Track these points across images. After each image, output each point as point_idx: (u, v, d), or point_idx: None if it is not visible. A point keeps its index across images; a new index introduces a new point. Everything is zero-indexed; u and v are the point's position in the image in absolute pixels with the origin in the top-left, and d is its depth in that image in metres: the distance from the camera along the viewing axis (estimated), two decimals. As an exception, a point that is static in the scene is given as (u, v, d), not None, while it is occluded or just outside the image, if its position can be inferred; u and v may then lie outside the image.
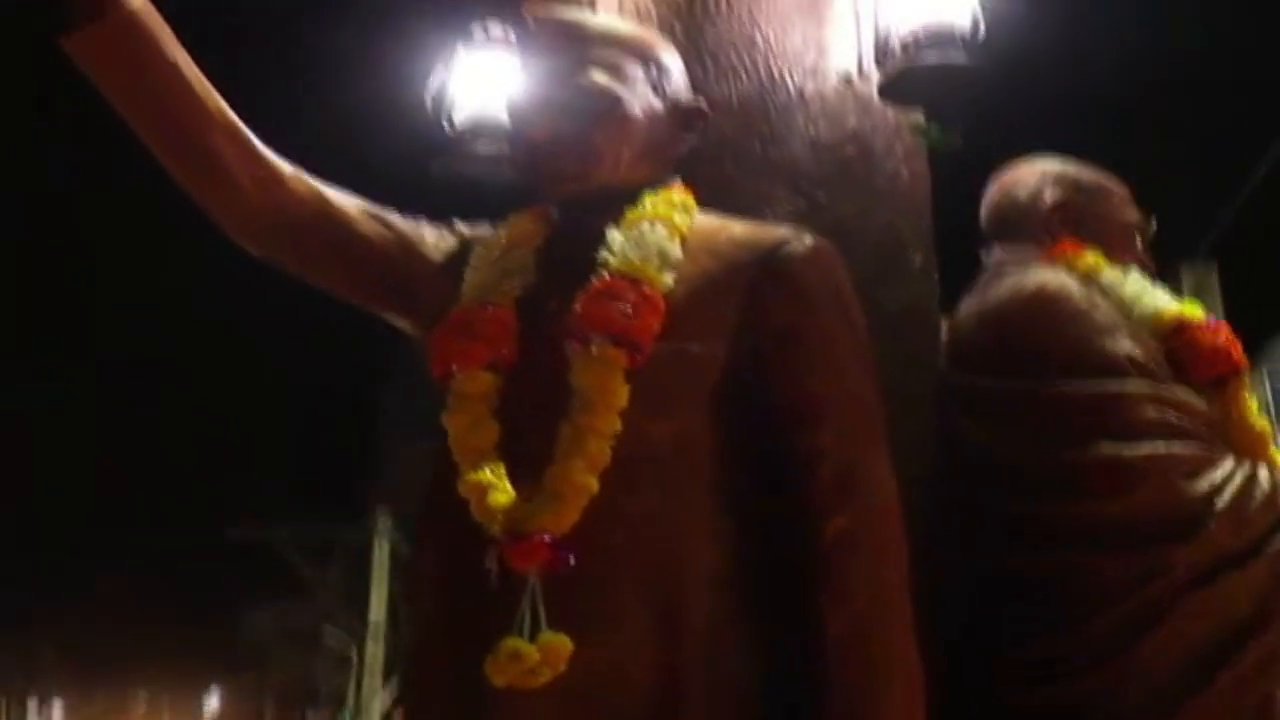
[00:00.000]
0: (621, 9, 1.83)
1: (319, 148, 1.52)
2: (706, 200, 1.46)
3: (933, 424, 1.69)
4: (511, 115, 1.49)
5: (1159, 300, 1.72)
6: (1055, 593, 1.52)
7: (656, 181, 1.45)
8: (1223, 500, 1.49)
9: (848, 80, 1.75)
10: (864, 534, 1.28)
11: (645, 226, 1.38)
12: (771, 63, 1.75)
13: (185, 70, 1.38)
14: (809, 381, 1.33)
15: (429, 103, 2.01)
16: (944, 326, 1.80)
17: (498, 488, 1.28)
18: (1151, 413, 1.54)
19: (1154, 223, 1.90)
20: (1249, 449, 1.62)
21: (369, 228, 1.51)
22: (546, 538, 1.22)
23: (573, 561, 1.22)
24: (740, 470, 1.32)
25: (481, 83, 2.00)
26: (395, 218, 1.55)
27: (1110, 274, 1.75)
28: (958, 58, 1.59)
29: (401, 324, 1.58)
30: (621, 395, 1.27)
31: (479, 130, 1.98)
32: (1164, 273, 1.92)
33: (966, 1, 1.65)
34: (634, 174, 1.44)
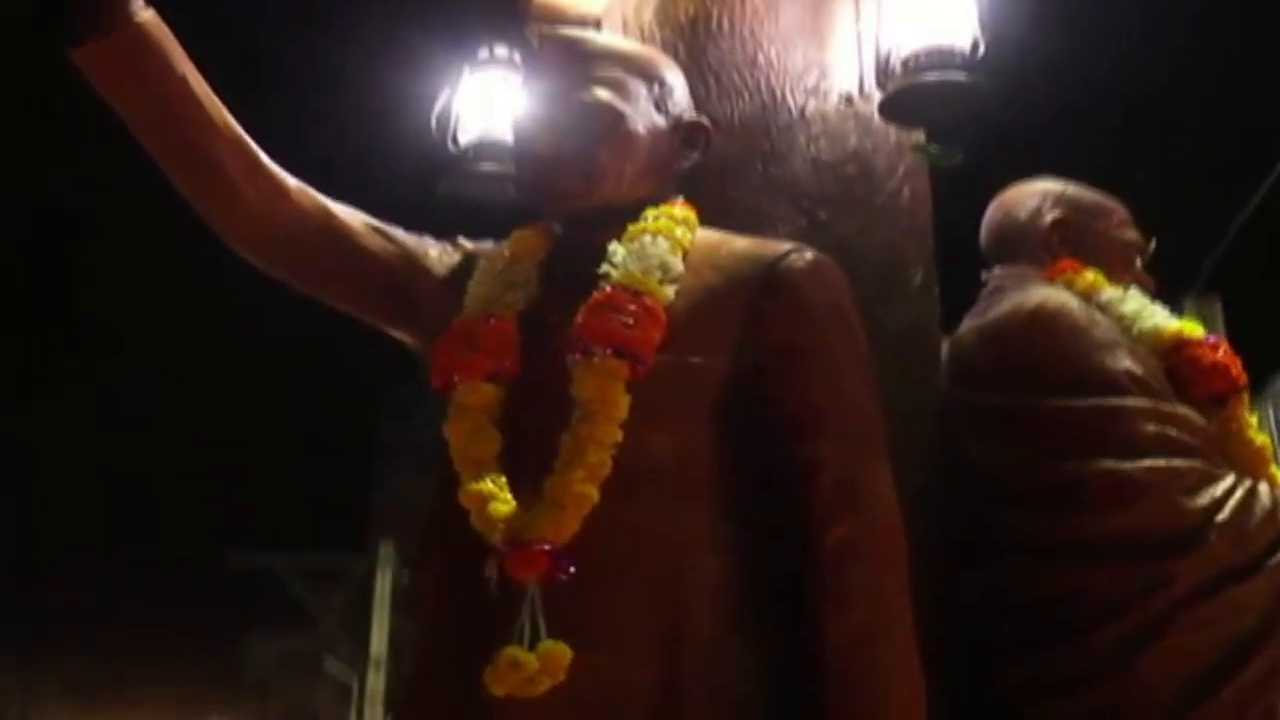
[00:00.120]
0: (625, 29, 1.85)
1: (325, 168, 1.53)
2: (709, 218, 1.47)
3: (933, 441, 1.69)
4: (516, 133, 1.51)
5: (1158, 318, 1.73)
6: (1056, 607, 1.52)
7: (659, 197, 1.46)
8: (1223, 515, 1.49)
9: (849, 100, 1.77)
10: (865, 543, 1.29)
11: (647, 240, 1.39)
12: (773, 83, 1.77)
13: (192, 83, 1.39)
14: (810, 393, 1.34)
15: (434, 123, 2.02)
16: (945, 345, 1.81)
17: (498, 498, 1.28)
18: (1151, 428, 1.55)
19: (1153, 243, 1.91)
20: (1249, 466, 1.63)
21: (372, 241, 1.52)
22: (546, 547, 1.22)
23: (572, 571, 1.22)
24: (741, 481, 1.33)
25: (487, 103, 2.02)
26: (399, 232, 1.56)
27: (1110, 292, 1.76)
28: (958, 76, 1.61)
29: (404, 337, 1.59)
30: (622, 406, 1.28)
31: (484, 150, 1.99)
32: (1166, 305, 1.93)
33: (967, 23, 1.66)
34: (637, 190, 1.45)
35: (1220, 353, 1.70)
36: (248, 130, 1.45)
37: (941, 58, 1.62)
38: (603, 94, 1.44)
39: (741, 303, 1.36)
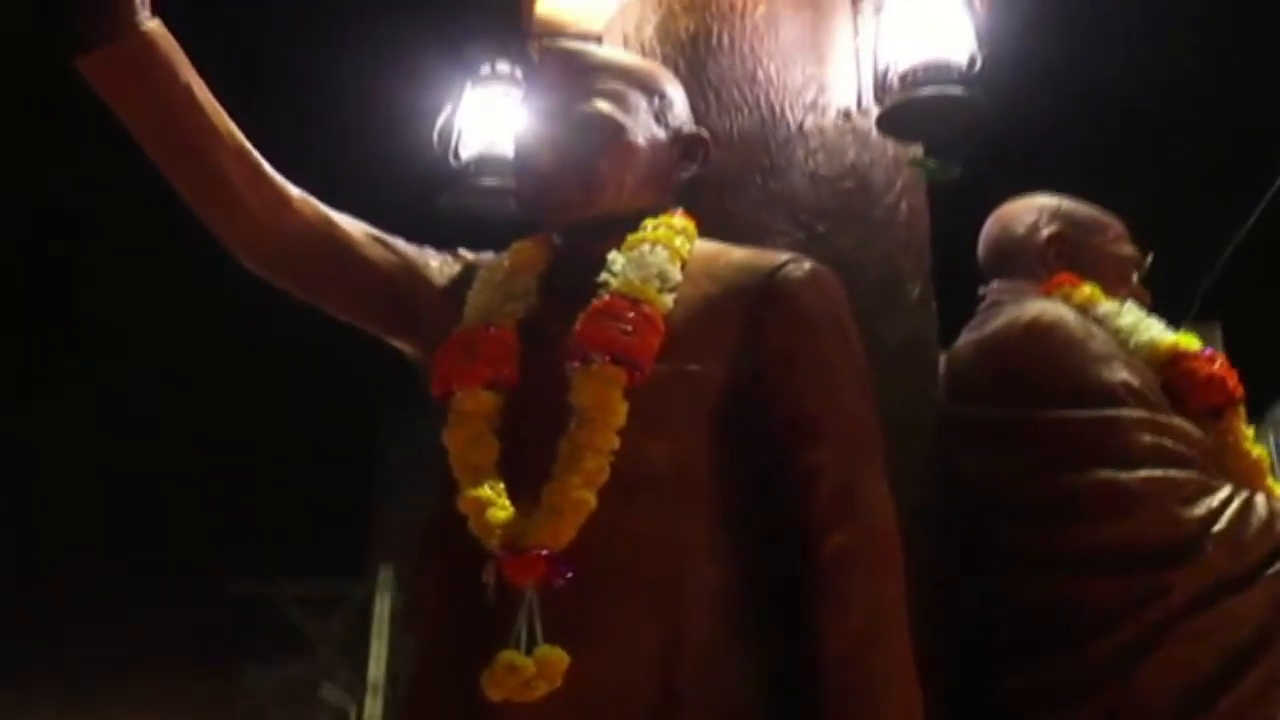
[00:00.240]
0: (626, 45, 1.87)
1: (329, 181, 1.54)
2: (708, 231, 1.49)
3: (931, 454, 1.69)
4: (517, 145, 1.52)
5: (1155, 331, 1.74)
6: (1054, 617, 1.52)
7: (658, 208, 1.47)
8: (1219, 525, 1.49)
9: (847, 115, 1.78)
10: (862, 550, 1.29)
11: (646, 249, 1.40)
12: (772, 98, 1.78)
13: (196, 92, 1.41)
14: (807, 401, 1.34)
15: (436, 138, 2.04)
16: (942, 359, 1.82)
17: (496, 503, 1.29)
18: (1148, 439, 1.55)
19: (1150, 258, 1.92)
20: (1246, 478, 1.63)
21: (374, 251, 1.53)
22: (544, 552, 1.22)
23: (570, 576, 1.22)
24: (739, 489, 1.33)
25: (489, 118, 2.04)
26: (400, 242, 1.57)
27: (1106, 305, 1.77)
28: (955, 91, 1.62)
29: (405, 347, 1.60)
30: (620, 413, 1.29)
31: (485, 165, 2.01)
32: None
33: (964, 39, 1.68)
34: (636, 201, 1.46)
35: (1216, 365, 1.71)
36: (251, 143, 1.46)
37: (939, 72, 1.64)
38: (603, 106, 1.45)
39: (739, 312, 1.37)
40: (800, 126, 1.77)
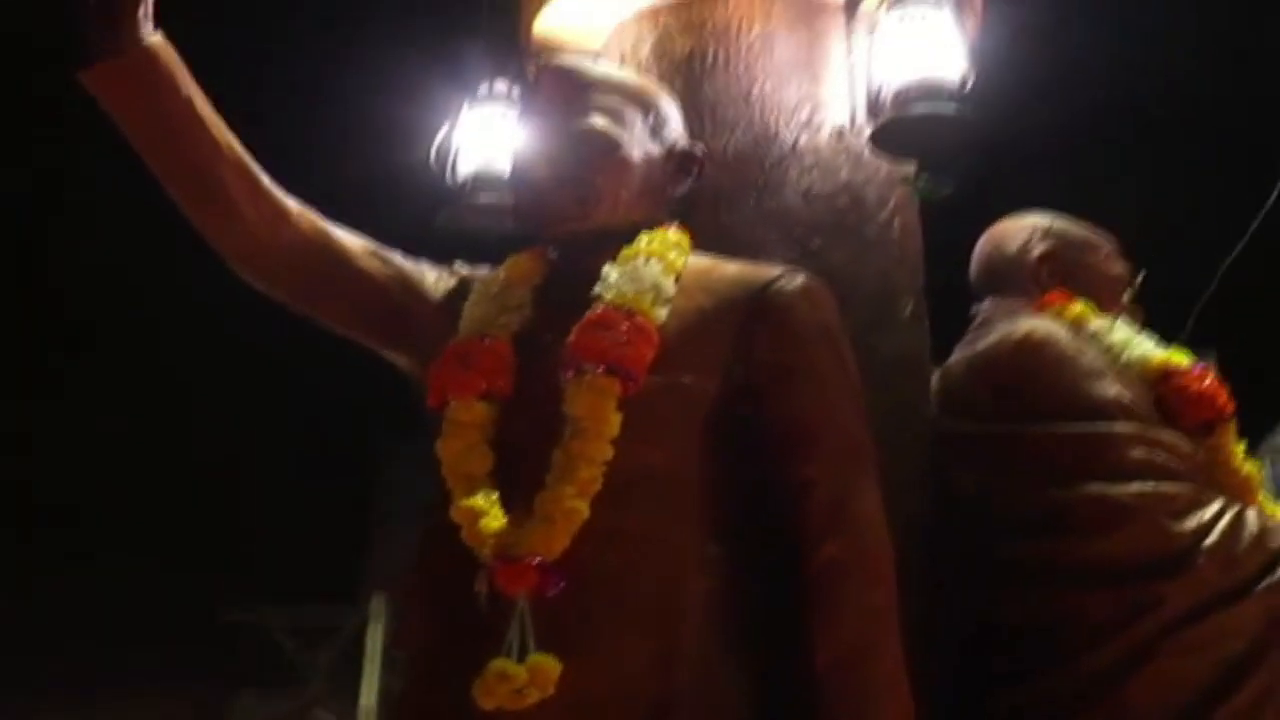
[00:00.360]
0: (623, 64, 1.89)
1: (328, 199, 1.55)
2: (703, 247, 1.50)
3: (923, 470, 1.70)
4: (514, 159, 1.54)
5: (1146, 347, 1.75)
6: (1047, 630, 1.52)
7: (653, 222, 1.48)
8: (1211, 539, 1.50)
9: (841, 134, 1.80)
10: (855, 561, 1.29)
11: (640, 261, 1.41)
12: (767, 117, 1.80)
13: (198, 106, 1.42)
14: (799, 412, 1.35)
15: (434, 156, 2.06)
16: (935, 375, 1.83)
17: (489, 513, 1.29)
18: (1139, 453, 1.56)
19: (1142, 276, 1.94)
20: (1237, 493, 1.64)
21: (370, 264, 1.54)
22: (536, 561, 1.23)
23: (562, 586, 1.23)
24: (731, 500, 1.34)
25: (486, 137, 2.05)
26: (397, 256, 1.58)
27: (1098, 322, 1.78)
28: (947, 108, 1.64)
29: (400, 359, 1.60)
30: (614, 423, 1.29)
31: (482, 182, 2.03)
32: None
33: (956, 59, 1.70)
34: (631, 215, 1.48)
35: (1207, 381, 1.72)
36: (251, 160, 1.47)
37: (931, 91, 1.66)
38: (599, 121, 1.47)
39: (732, 324, 1.38)
40: (795, 144, 1.79)
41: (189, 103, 1.41)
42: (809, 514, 1.31)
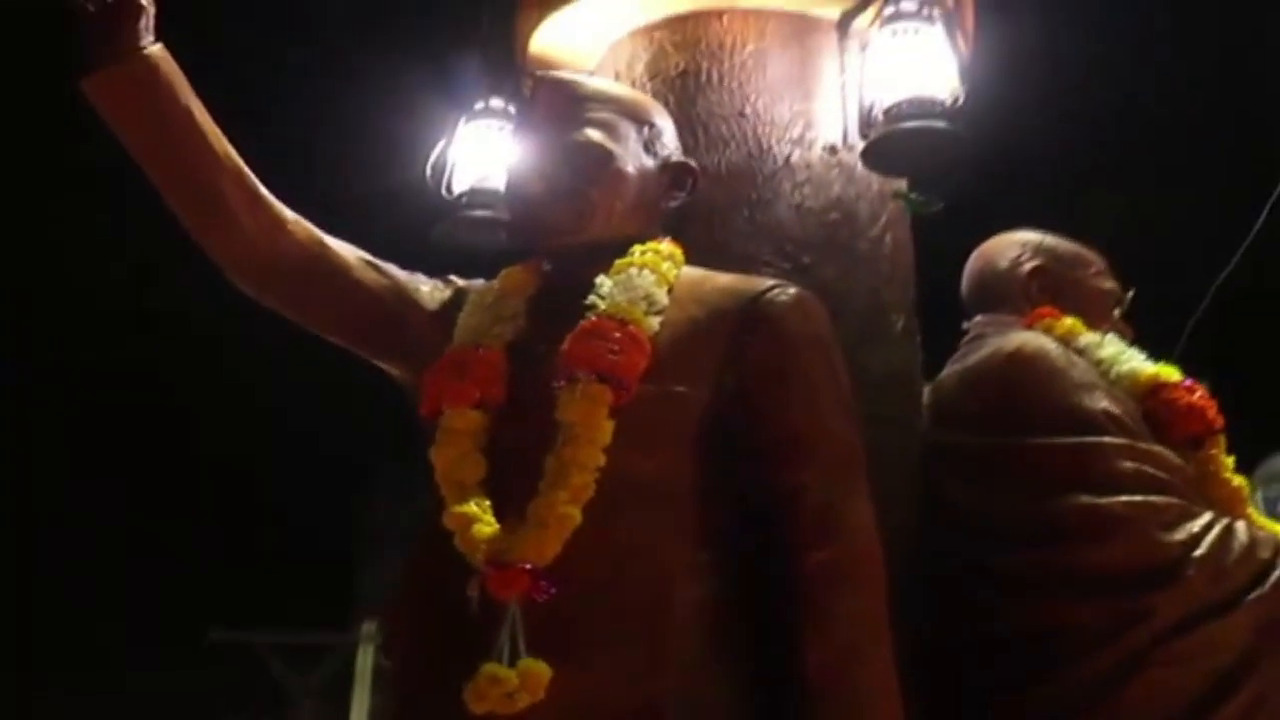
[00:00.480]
0: (617, 81, 1.91)
1: (325, 213, 1.56)
2: (695, 261, 1.51)
3: (913, 483, 1.71)
4: (509, 172, 1.55)
5: (1135, 362, 1.77)
6: (1039, 641, 1.53)
7: (646, 235, 1.50)
8: (1200, 550, 1.51)
9: (833, 150, 1.82)
10: (846, 567, 1.30)
11: (633, 272, 1.42)
12: (760, 133, 1.82)
13: (197, 115, 1.43)
14: (791, 421, 1.36)
15: (430, 171, 2.07)
16: (927, 390, 1.84)
17: (481, 519, 1.30)
18: (1129, 464, 1.57)
19: (1131, 293, 1.95)
20: (1227, 506, 1.65)
21: (365, 274, 1.55)
22: (527, 566, 1.23)
23: (553, 591, 1.23)
24: (723, 507, 1.35)
25: (481, 153, 2.07)
26: (391, 267, 1.59)
27: (1088, 337, 1.80)
28: (938, 124, 1.66)
29: (393, 369, 1.61)
30: (606, 430, 1.30)
31: (477, 197, 2.04)
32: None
33: (948, 76, 1.72)
34: (625, 227, 1.49)
35: (1196, 395, 1.73)
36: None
37: (922, 107, 1.67)
38: (594, 134, 1.49)
39: (724, 334, 1.39)
40: (787, 160, 1.80)
41: (188, 112, 1.42)
42: (800, 520, 1.32)
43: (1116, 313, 1.93)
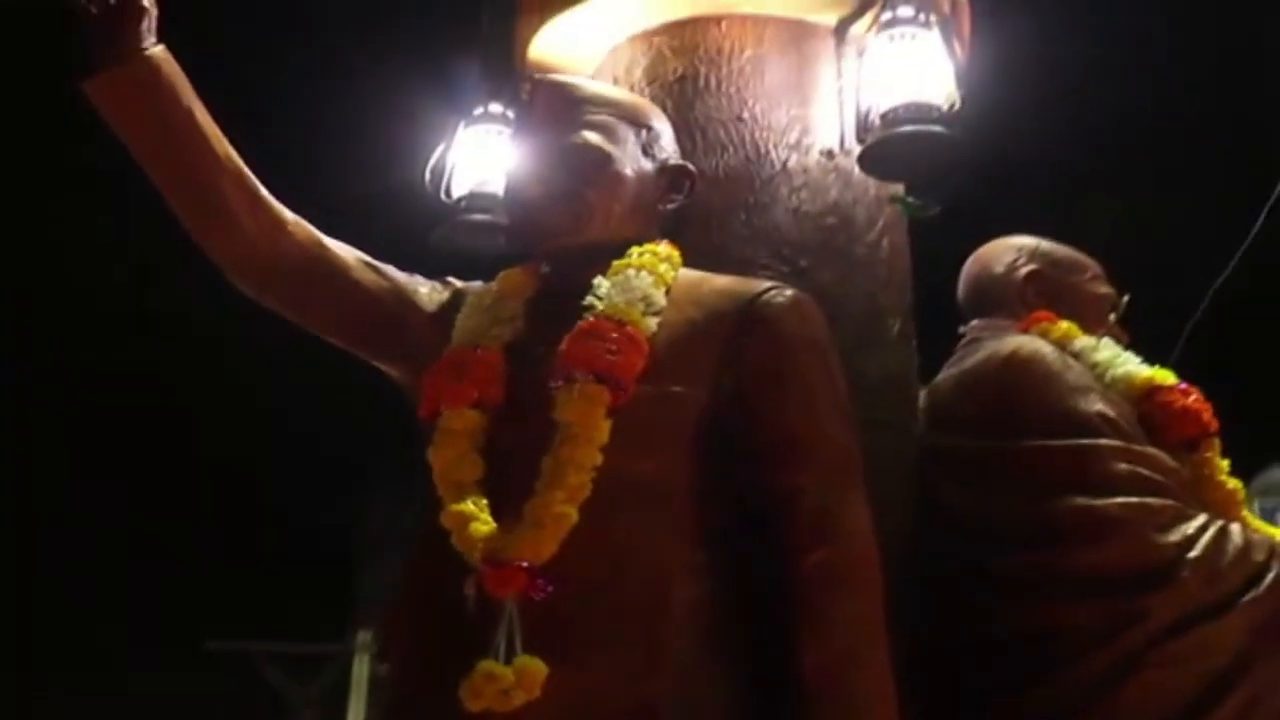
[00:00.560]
0: (615, 85, 1.91)
1: (325, 216, 1.57)
2: (693, 264, 1.52)
3: (910, 487, 1.71)
4: (508, 174, 1.56)
5: (1130, 365, 1.77)
6: (1036, 643, 1.53)
7: (644, 238, 1.51)
8: (1195, 552, 1.52)
9: (830, 155, 1.83)
10: (843, 569, 1.31)
11: (631, 273, 1.43)
12: (757, 138, 1.83)
13: (198, 116, 1.44)
14: (788, 421, 1.37)
15: (429, 176, 2.08)
16: (923, 394, 1.85)
17: (479, 518, 1.30)
18: (1124, 466, 1.58)
19: (1126, 298, 1.96)
20: (1222, 508, 1.65)
21: (364, 275, 1.56)
22: (524, 565, 1.24)
23: (550, 590, 1.24)
24: (720, 508, 1.35)
25: (480, 157, 2.08)
26: (390, 269, 1.60)
27: (1083, 341, 1.81)
28: (935, 129, 1.66)
29: (392, 370, 1.61)
30: (603, 430, 1.31)
31: (476, 201, 2.05)
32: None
33: (945, 81, 1.73)
34: (623, 230, 1.50)
35: (1191, 399, 1.74)
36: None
37: (919, 112, 1.68)
38: (592, 137, 1.49)
39: (721, 336, 1.40)
40: (784, 165, 1.81)
41: (190, 113, 1.43)
42: (796, 522, 1.33)
43: (1112, 317, 1.94)
